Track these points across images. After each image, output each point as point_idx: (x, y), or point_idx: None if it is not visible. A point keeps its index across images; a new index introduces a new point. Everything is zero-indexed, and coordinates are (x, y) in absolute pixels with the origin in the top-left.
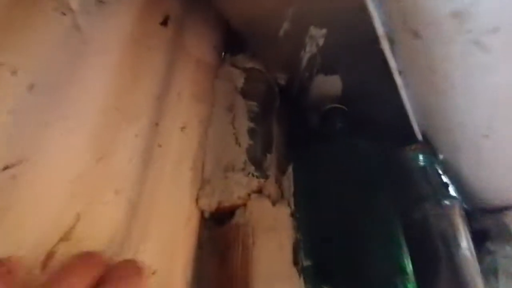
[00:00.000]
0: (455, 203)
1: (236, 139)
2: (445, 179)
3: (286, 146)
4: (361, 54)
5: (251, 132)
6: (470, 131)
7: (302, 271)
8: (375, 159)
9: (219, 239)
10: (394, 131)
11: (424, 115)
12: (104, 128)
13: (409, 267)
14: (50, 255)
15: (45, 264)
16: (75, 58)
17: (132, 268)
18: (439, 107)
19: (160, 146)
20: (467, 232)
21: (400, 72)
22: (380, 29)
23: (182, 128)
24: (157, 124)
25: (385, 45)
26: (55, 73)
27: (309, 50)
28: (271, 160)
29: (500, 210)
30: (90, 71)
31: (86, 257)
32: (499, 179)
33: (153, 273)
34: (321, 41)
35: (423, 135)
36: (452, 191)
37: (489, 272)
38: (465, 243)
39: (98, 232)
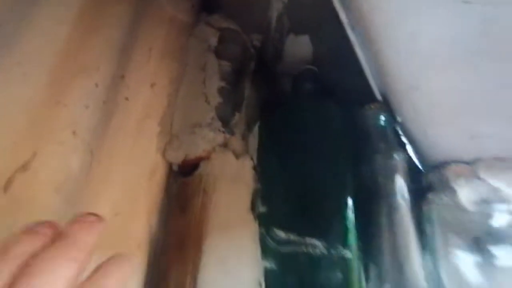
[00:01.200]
0: (402, 158)
1: (206, 97)
2: (402, 139)
3: (257, 108)
4: (324, 15)
5: (222, 91)
6: (400, 82)
7: (258, 217)
8: (338, 118)
9: (183, 188)
10: (358, 92)
11: (378, 73)
12: (61, 75)
13: (351, 219)
14: (8, 182)
15: (5, 188)
16: (31, 7)
17: (85, 217)
18: (379, 61)
19: (127, 99)
20: (405, 186)
21: (353, 27)
22: None
23: (152, 85)
24: (122, 77)
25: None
26: (10, 22)
27: (277, 8)
28: (239, 118)
29: (444, 165)
30: (47, 21)
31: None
32: (439, 136)
33: (116, 215)
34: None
35: (383, 96)
36: (406, 150)
37: (426, 220)
38: (401, 197)
39: (54, 167)
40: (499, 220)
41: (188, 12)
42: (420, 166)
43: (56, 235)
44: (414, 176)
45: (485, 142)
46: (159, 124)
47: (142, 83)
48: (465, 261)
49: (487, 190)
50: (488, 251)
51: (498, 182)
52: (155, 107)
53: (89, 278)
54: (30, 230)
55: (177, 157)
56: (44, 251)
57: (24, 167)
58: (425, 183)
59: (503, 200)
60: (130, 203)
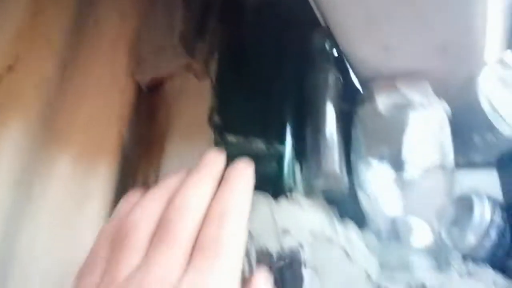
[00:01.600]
0: (333, 73)
1: (172, 24)
2: (343, 60)
3: (221, 36)
4: None
5: (185, 19)
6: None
7: (214, 127)
8: (289, 39)
9: (150, 104)
10: (309, 19)
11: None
12: None
13: (289, 120)
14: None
15: None
16: None
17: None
18: None
19: (96, 23)
20: (336, 98)
21: None
22: None
23: (120, 11)
24: (91, 3)
25: None
26: None
27: None
28: (202, 45)
29: (371, 80)
30: None
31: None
32: (357, 51)
33: (91, 123)
34: None
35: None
36: (345, 69)
37: (353, 128)
38: (331, 102)
39: (33, 69)
40: (408, 122)
41: None
42: (359, 87)
43: None
44: (353, 95)
45: (400, 55)
46: (128, 48)
47: (111, 9)
48: (380, 165)
49: (398, 97)
50: (399, 157)
51: (409, 91)
52: (124, 32)
53: (217, 196)
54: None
55: (144, 78)
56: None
57: (9, 68)
58: (359, 101)
59: (411, 105)
60: (103, 113)
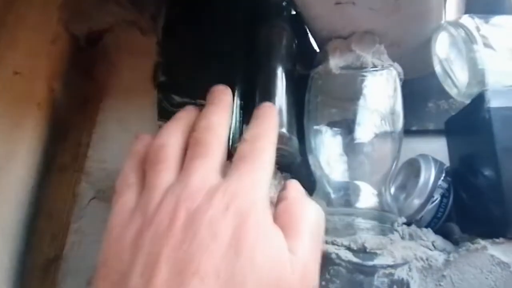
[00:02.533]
0: (287, 29)
1: None
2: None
3: None
4: None
5: None
6: None
7: (158, 86)
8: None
9: (88, 58)
10: None
11: None
12: None
13: (237, 80)
14: None
15: None
16: None
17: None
18: None
19: None
20: (287, 52)
21: None
22: None
23: None
24: None
25: None
26: None
27: None
28: None
29: (327, 41)
30: None
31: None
32: (312, 10)
33: (17, 74)
34: None
35: None
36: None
37: (306, 91)
38: (282, 62)
39: None
40: (359, 81)
41: None
42: (317, 49)
43: None
44: (311, 57)
45: (351, 12)
46: None
47: None
48: (332, 128)
49: (352, 58)
50: (350, 119)
51: (363, 53)
52: None
53: (251, 124)
54: None
55: (81, 29)
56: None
57: None
58: (315, 63)
59: (363, 65)
60: (31, 65)
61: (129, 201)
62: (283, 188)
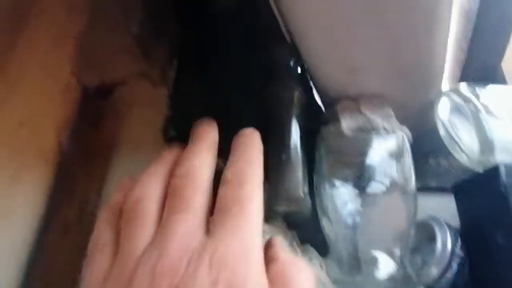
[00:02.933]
0: (301, 95)
1: (128, 24)
2: (310, 80)
3: (179, 40)
4: None
5: (143, 21)
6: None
7: (168, 139)
8: (251, 51)
9: (97, 110)
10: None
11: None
12: None
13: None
14: None
15: None
16: None
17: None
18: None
19: (43, 12)
20: (300, 114)
21: None
22: None
23: (70, 8)
24: None
25: None
26: None
27: None
28: (160, 49)
29: (335, 101)
30: None
31: None
32: (324, 71)
33: (21, 125)
34: None
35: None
36: (308, 87)
37: (316, 148)
38: (295, 123)
39: None
40: (370, 145)
41: None
42: (321, 106)
43: None
44: (316, 113)
45: (362, 77)
46: (75, 46)
47: (57, 2)
48: (343, 184)
49: (363, 120)
50: (362, 176)
51: (373, 115)
52: (72, 26)
53: (230, 162)
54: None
55: (92, 80)
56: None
57: None
58: (323, 120)
59: (374, 129)
60: (37, 115)
61: (100, 269)
62: (269, 245)
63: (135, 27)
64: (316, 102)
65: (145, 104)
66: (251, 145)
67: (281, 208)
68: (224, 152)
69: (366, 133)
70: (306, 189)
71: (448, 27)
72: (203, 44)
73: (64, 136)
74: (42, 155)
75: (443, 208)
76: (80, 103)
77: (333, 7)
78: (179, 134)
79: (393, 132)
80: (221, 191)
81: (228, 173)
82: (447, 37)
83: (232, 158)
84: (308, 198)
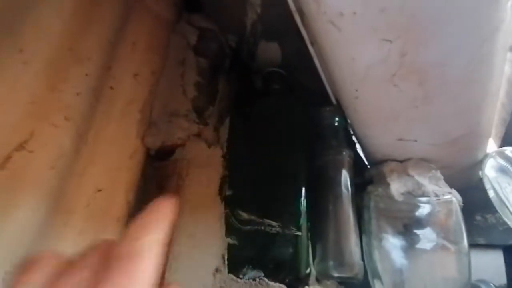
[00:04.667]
0: (347, 154)
1: (184, 90)
2: (352, 138)
3: (230, 102)
4: (292, 26)
5: (198, 85)
6: (346, 92)
7: (224, 199)
8: (298, 116)
9: (160, 172)
10: (318, 95)
11: (331, 83)
12: (57, 63)
13: (303, 205)
14: (6, 159)
15: (2, 166)
16: None
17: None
18: (332, 75)
19: (112, 88)
20: (349, 178)
21: (312, 43)
22: (292, 4)
23: (135, 75)
24: (109, 68)
25: (297, 18)
26: (9, 11)
27: (251, 16)
28: (213, 111)
29: (381, 162)
30: (45, 13)
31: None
32: (375, 137)
33: (99, 191)
34: (258, 9)
35: (337, 101)
36: (354, 148)
37: (365, 208)
38: (345, 187)
39: (49, 148)
40: (421, 210)
41: (171, 11)
42: (366, 162)
43: None
44: (361, 170)
45: (410, 145)
46: (140, 111)
47: (126, 74)
48: (393, 243)
49: (412, 184)
50: (412, 235)
51: (422, 179)
52: (137, 96)
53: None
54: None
55: (154, 143)
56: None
57: (21, 146)
58: (367, 177)
59: (423, 193)
60: (111, 181)
61: None
62: None
63: (191, 88)
64: (360, 157)
65: (202, 165)
66: (162, 210)
67: (337, 274)
68: (274, 214)
69: (416, 196)
70: (359, 254)
71: (497, 99)
72: (251, 103)
73: (132, 197)
74: (116, 217)
75: (490, 264)
76: (145, 165)
77: (390, 96)
78: (234, 194)
79: (443, 195)
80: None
81: (129, 228)
82: (495, 108)
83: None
84: (362, 263)
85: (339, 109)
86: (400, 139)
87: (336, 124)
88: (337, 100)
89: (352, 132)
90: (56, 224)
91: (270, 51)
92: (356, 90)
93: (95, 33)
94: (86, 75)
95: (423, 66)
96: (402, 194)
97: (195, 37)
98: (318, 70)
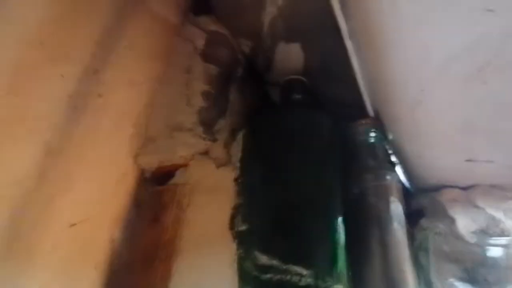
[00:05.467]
0: (394, 178)
1: (189, 100)
2: (393, 158)
3: (243, 115)
4: (320, 23)
5: (206, 95)
6: (405, 95)
7: (237, 236)
8: (327, 131)
9: (155, 199)
10: (349, 106)
11: (373, 86)
12: (23, 60)
13: (342, 244)
14: None
15: None
16: None
17: None
18: (380, 71)
19: (100, 96)
20: (401, 209)
21: (351, 36)
22: None
23: (130, 83)
24: (96, 72)
25: (335, 4)
26: None
27: (270, 11)
28: (223, 124)
29: (436, 189)
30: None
31: None
32: (435, 157)
33: (72, 226)
34: (280, 1)
35: (375, 113)
36: (397, 170)
37: (421, 249)
38: (398, 221)
39: (7, 167)
40: (495, 251)
41: (174, 12)
42: (409, 187)
43: None
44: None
45: (482, 168)
46: (134, 125)
47: (118, 80)
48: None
49: (484, 219)
50: (482, 282)
51: (496, 212)
52: (131, 106)
53: None
54: None
55: (150, 163)
56: None
57: None
58: (416, 206)
59: (502, 232)
60: (90, 212)
61: None
62: None
63: (197, 100)
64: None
65: (209, 190)
66: None
67: None
68: (302, 258)
69: (491, 236)
70: None
71: None
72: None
73: (117, 233)
74: (92, 261)
75: None
76: (136, 191)
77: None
78: (249, 229)
79: None
80: None
81: None
82: None
83: None
84: None
85: (377, 122)
86: (470, 160)
87: (372, 140)
88: (375, 111)
89: (392, 151)
90: (7, 276)
91: (290, 55)
92: (422, 91)
93: (78, 29)
94: (62, 76)
95: None
96: (474, 233)
97: (202, 41)
98: (347, 77)
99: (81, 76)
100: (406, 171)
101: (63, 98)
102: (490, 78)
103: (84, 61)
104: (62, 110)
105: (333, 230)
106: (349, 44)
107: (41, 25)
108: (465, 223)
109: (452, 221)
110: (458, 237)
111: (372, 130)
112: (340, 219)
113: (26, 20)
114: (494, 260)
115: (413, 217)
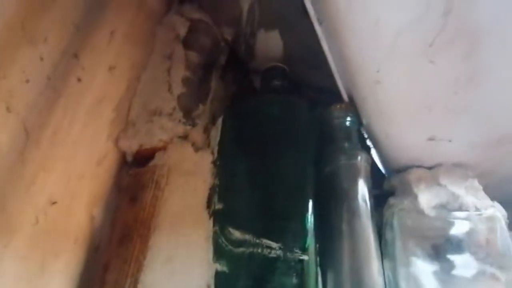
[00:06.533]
0: (363, 159)
1: (170, 86)
2: (368, 142)
3: (224, 102)
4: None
5: (186, 81)
6: (364, 76)
7: (213, 214)
8: (303, 116)
9: (135, 179)
10: (326, 92)
11: (343, 71)
12: (4, 43)
13: (311, 222)
14: None
15: None
16: None
17: None
18: (344, 54)
19: (79, 80)
20: (367, 189)
21: (320, 22)
22: None
23: (111, 68)
24: (75, 56)
25: None
26: None
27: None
28: (202, 110)
29: (405, 168)
30: None
31: None
32: (399, 136)
33: (54, 204)
34: None
35: (350, 97)
36: (371, 152)
37: (387, 226)
38: (363, 199)
39: None
40: (458, 227)
41: (161, 0)
42: (383, 170)
43: None
44: (377, 180)
45: (444, 146)
46: (114, 109)
47: (99, 65)
48: (424, 269)
49: (445, 195)
50: (447, 260)
51: (457, 189)
52: (112, 91)
53: None
54: None
55: (131, 146)
56: None
57: None
58: (387, 187)
59: (460, 206)
60: (70, 191)
61: None
62: None
63: (177, 86)
64: (375, 165)
65: (187, 172)
66: None
67: None
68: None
69: (451, 210)
70: (383, 285)
71: None
72: (248, 100)
73: (97, 211)
74: (74, 235)
75: None
76: (116, 173)
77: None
78: (225, 208)
79: (485, 209)
80: None
81: None
82: None
83: None
84: None
85: (352, 107)
86: (432, 139)
87: (348, 124)
88: (349, 97)
89: (366, 135)
90: None
91: (270, 42)
92: (378, 71)
93: (58, 11)
94: (41, 59)
95: (473, 30)
96: (434, 207)
97: (185, 29)
98: (325, 63)
99: (59, 59)
100: (379, 153)
101: (41, 80)
102: (436, 57)
103: (63, 44)
104: (40, 91)
105: (305, 208)
106: (318, 30)
107: (20, 7)
108: (426, 198)
109: (415, 197)
110: (419, 211)
111: (347, 114)
112: (311, 198)
113: (5, 1)
114: (453, 235)
115: (385, 197)
